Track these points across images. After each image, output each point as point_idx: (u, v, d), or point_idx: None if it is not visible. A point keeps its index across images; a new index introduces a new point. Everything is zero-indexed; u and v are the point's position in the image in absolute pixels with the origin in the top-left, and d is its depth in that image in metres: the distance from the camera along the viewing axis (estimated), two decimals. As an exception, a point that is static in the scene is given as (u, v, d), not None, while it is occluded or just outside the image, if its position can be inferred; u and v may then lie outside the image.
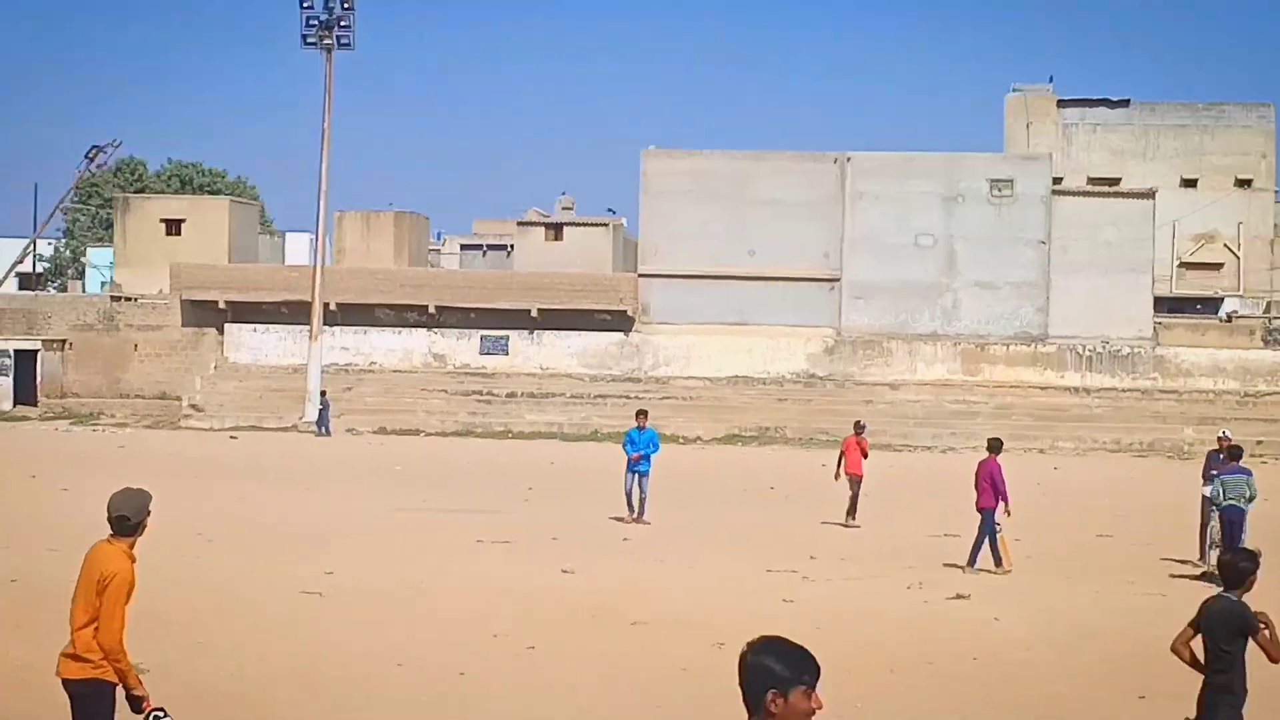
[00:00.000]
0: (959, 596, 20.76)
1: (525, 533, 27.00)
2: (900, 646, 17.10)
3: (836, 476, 30.46)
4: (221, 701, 13.00)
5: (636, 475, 28.33)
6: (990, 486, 23.83)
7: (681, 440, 53.16)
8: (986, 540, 23.85)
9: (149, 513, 9.52)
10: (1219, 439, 26.30)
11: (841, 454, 30.32)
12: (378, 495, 33.57)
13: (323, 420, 56.71)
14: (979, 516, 24.15)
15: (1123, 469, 41.46)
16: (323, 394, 58.78)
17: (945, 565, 24.02)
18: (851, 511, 29.53)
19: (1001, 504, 23.89)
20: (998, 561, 23.63)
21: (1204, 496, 24.62)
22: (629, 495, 28.44)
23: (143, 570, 11.01)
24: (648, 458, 28.55)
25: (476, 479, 38.58)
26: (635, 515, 28.08)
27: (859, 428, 31.23)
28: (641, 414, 30.38)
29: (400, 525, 28.00)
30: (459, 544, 25.07)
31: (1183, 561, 24.16)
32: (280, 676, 14.43)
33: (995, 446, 24.74)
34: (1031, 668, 16.50)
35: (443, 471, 41.08)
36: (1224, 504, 23.76)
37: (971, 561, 23.89)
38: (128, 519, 9.29)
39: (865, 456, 29.69)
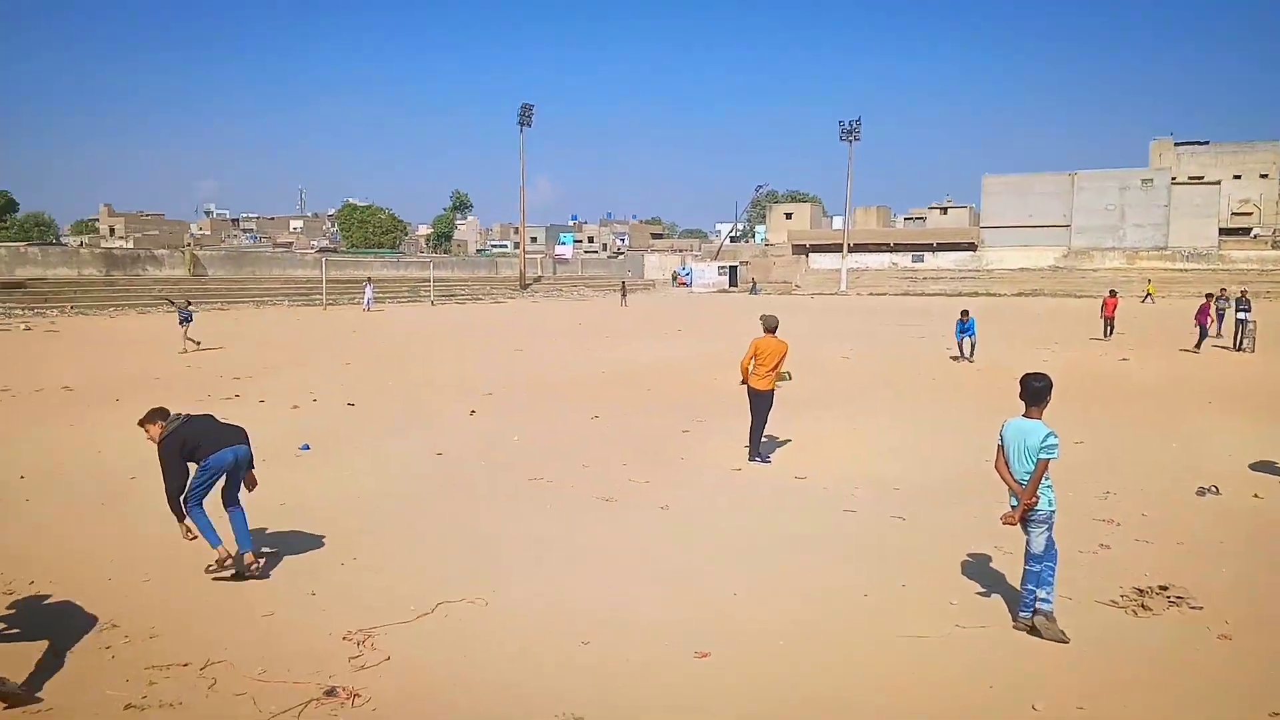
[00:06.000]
0: (1124, 358, 19.23)
1: (936, 329, 26.42)
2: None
3: (1102, 317, 25.37)
4: (499, 442, 11.34)
5: (966, 337, 19.77)
6: (1203, 316, 21.36)
7: (996, 295, 56.18)
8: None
9: (777, 322, 9.79)
10: (1221, 290, 27.04)
11: (1103, 304, 26.01)
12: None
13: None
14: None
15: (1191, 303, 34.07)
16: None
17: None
18: (1109, 332, 24.86)
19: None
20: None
21: (1235, 319, 22.87)
22: (960, 345, 20.36)
23: (586, 361, 13.67)
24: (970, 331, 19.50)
25: (908, 315, 37.18)
26: (967, 358, 19.78)
27: (1112, 293, 26.65)
28: (964, 313, 20.88)
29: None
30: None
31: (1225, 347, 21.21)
32: (548, 433, 12.18)
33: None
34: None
35: (894, 311, 39.81)
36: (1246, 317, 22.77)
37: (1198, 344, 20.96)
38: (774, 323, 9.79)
39: (1116, 306, 25.33)
